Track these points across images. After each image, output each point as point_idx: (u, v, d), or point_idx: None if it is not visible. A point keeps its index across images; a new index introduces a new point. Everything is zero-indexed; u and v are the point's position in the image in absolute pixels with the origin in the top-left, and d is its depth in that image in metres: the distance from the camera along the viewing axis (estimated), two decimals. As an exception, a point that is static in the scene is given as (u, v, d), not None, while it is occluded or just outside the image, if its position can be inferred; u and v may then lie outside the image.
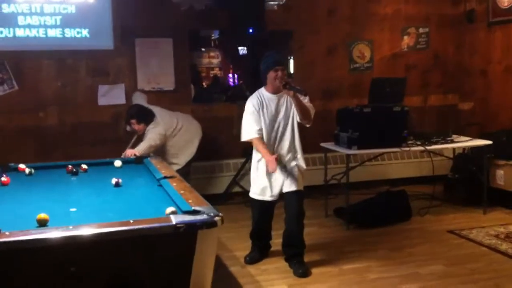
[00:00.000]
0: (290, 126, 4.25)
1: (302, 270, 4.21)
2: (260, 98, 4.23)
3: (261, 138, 4.20)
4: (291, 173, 4.24)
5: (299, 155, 4.30)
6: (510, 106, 6.52)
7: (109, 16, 6.03)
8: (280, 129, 4.24)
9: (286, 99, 4.21)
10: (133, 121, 5.34)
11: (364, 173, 6.43)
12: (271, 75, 4.15)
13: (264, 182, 4.27)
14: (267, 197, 4.29)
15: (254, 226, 4.51)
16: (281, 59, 4.31)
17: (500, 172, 5.87)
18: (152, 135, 5.22)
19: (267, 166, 4.16)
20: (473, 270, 4.21)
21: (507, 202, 5.81)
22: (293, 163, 4.26)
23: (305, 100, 4.16)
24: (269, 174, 4.22)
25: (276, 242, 4.54)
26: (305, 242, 4.38)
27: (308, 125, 4.26)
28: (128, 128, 5.51)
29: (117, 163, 4.50)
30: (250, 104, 4.23)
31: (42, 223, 2.59)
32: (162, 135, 5.30)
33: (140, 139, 5.32)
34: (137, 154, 4.87)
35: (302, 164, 4.31)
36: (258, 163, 4.30)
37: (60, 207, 3.04)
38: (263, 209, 4.38)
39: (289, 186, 4.23)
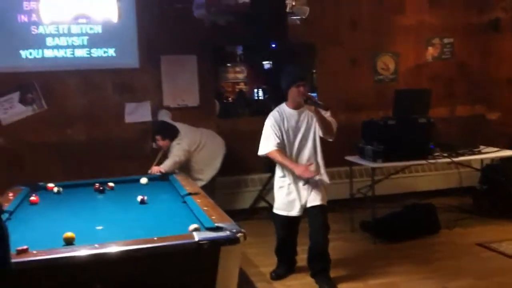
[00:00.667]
0: (312, 141, 4.21)
1: (328, 286, 4.18)
2: (281, 114, 4.22)
3: (281, 150, 4.15)
4: (315, 188, 4.21)
5: (322, 170, 4.26)
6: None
7: (135, 34, 6.14)
8: (302, 144, 4.21)
9: (308, 115, 4.19)
10: (158, 137, 5.42)
11: (390, 186, 6.36)
12: (293, 91, 4.13)
13: (288, 198, 4.24)
14: (292, 212, 4.25)
15: (278, 242, 4.50)
16: (302, 73, 4.30)
17: (529, 183, 5.76)
18: (177, 151, 5.29)
19: (292, 179, 4.16)
20: (502, 284, 4.14)
21: (538, 214, 5.69)
22: (317, 178, 4.22)
23: (327, 114, 4.13)
24: (293, 189, 4.20)
25: (302, 257, 4.51)
26: (331, 256, 4.35)
27: (331, 140, 4.23)
28: (154, 145, 5.60)
29: (143, 180, 4.56)
30: (272, 119, 4.21)
31: (69, 241, 2.65)
32: (186, 151, 5.36)
33: (165, 156, 5.38)
34: (163, 171, 4.93)
35: (326, 179, 4.27)
36: (281, 178, 4.29)
37: (87, 225, 3.10)
38: (287, 224, 4.35)
39: (313, 201, 4.20)
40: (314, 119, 4.13)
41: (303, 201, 4.22)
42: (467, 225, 5.70)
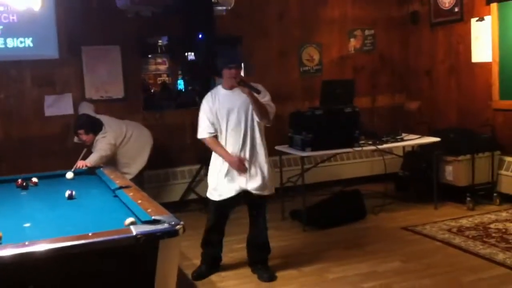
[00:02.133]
0: (244, 123, 4.12)
1: (267, 275, 4.20)
2: (213, 96, 4.16)
3: (215, 138, 4.13)
4: (255, 176, 4.15)
5: (262, 157, 4.19)
6: (455, 105, 6.73)
7: (54, 24, 5.87)
8: (235, 125, 4.11)
9: (243, 97, 4.09)
10: (81, 131, 5.19)
11: (319, 174, 6.50)
12: (225, 73, 4.09)
13: (223, 181, 4.15)
14: (224, 195, 4.16)
15: (207, 228, 4.36)
16: (236, 56, 4.28)
17: (449, 168, 6.04)
18: (102, 145, 5.10)
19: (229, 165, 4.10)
20: (429, 265, 4.31)
21: (456, 197, 5.98)
22: (258, 167, 4.17)
23: (265, 98, 4.12)
24: (228, 172, 4.13)
25: (229, 249, 4.50)
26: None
27: (268, 125, 4.23)
28: (76, 139, 5.35)
29: (69, 175, 4.37)
30: (205, 103, 4.18)
31: (-5, 240, 2.48)
32: (112, 145, 5.18)
33: (90, 151, 5.18)
34: (89, 165, 4.75)
35: (265, 170, 4.18)
36: (216, 161, 4.19)
37: (13, 222, 2.93)
38: (220, 208, 4.25)
39: (253, 189, 4.13)
40: (249, 102, 4.09)
41: (238, 186, 4.14)
42: (392, 210, 5.91)
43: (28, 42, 5.82)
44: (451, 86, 6.79)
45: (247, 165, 4.11)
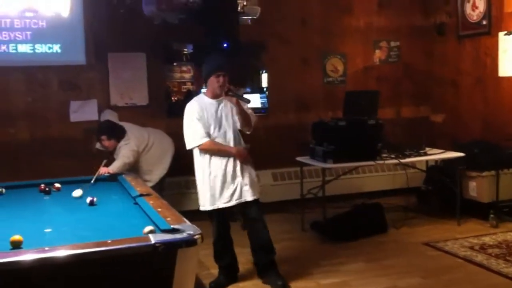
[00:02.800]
0: (233, 131, 4.14)
1: (281, 282, 4.16)
2: (200, 104, 4.12)
3: (211, 140, 4.10)
4: (246, 183, 4.16)
5: (249, 163, 4.24)
6: (480, 117, 6.64)
7: (81, 30, 5.96)
8: (223, 134, 4.12)
9: (227, 105, 4.12)
10: (104, 137, 5.24)
11: (340, 186, 6.44)
12: (212, 80, 4.05)
13: (217, 189, 4.14)
14: (221, 204, 4.15)
15: (215, 243, 4.33)
16: (224, 63, 4.19)
17: (472, 184, 5.95)
18: (126, 152, 5.14)
19: (217, 170, 4.11)
20: (450, 282, 4.24)
21: (479, 213, 5.87)
22: (247, 172, 4.19)
23: (245, 106, 4.12)
24: (221, 180, 4.11)
25: (246, 259, 4.50)
26: (281, 256, 4.35)
27: (248, 132, 4.23)
28: (98, 145, 5.40)
29: (77, 192, 3.86)
30: (194, 110, 4.09)
31: (16, 245, 2.50)
32: (135, 151, 5.22)
33: (113, 158, 5.21)
34: (112, 172, 4.78)
35: (253, 171, 4.26)
36: (206, 169, 4.17)
37: (34, 227, 2.96)
38: (221, 218, 4.25)
39: (246, 196, 4.15)
40: (233, 110, 4.09)
41: (236, 193, 4.15)
42: (413, 225, 5.83)
43: (56, 48, 5.92)
44: (476, 98, 6.70)
45: (239, 173, 4.12)
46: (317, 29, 6.94)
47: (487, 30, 6.43)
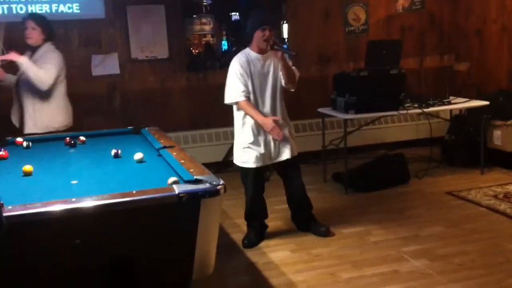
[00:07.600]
0: (273, 89, 4.09)
1: (324, 228, 4.29)
2: (247, 58, 4.05)
3: (248, 100, 4.03)
4: (284, 141, 4.13)
5: (288, 120, 4.24)
6: (505, 66, 6.49)
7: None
8: (266, 90, 4.07)
9: (272, 61, 4.06)
10: (33, 23, 4.45)
11: (362, 137, 6.43)
12: (258, 34, 3.98)
13: (257, 150, 4.10)
14: (261, 163, 4.13)
15: (249, 203, 4.30)
16: (270, 17, 4.12)
17: (497, 133, 5.88)
18: (56, 61, 4.52)
19: (260, 130, 4.06)
20: (472, 231, 4.25)
21: (504, 162, 5.84)
22: (286, 129, 4.17)
23: (290, 62, 4.07)
24: (261, 140, 4.09)
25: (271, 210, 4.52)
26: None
27: (292, 90, 4.18)
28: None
29: (138, 155, 3.45)
30: (238, 64, 4.02)
31: (27, 174, 3.02)
32: (60, 69, 4.59)
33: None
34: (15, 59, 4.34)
35: (292, 129, 4.28)
36: (245, 126, 4.12)
37: (61, 179, 3.02)
38: (258, 178, 4.22)
39: (284, 154, 4.15)
40: (279, 67, 4.04)
41: (272, 153, 4.14)
42: (436, 174, 5.81)
43: (75, 7, 5.89)
44: (502, 47, 6.53)
45: (280, 126, 4.06)
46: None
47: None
